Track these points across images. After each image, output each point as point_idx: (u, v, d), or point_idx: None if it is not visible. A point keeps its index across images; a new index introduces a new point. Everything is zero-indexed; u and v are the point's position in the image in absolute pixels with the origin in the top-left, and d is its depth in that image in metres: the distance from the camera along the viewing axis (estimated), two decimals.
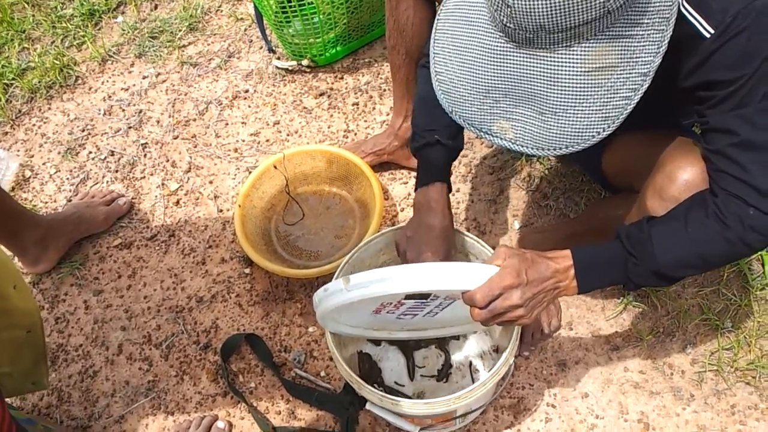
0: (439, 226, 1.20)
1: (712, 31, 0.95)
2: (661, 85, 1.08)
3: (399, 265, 0.97)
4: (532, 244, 1.50)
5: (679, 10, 0.96)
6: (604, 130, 0.87)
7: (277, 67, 1.95)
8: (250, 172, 1.74)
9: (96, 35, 2.11)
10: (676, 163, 1.13)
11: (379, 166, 1.72)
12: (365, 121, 1.84)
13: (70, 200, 1.77)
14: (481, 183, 1.70)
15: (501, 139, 0.92)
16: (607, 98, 0.85)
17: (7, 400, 1.15)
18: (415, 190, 1.27)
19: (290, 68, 1.93)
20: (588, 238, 1.36)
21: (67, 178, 1.81)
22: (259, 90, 1.93)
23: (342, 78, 1.94)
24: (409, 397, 1.39)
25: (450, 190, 1.26)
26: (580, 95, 0.85)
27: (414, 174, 1.71)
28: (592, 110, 0.86)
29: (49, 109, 1.95)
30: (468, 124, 0.94)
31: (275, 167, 1.66)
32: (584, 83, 0.84)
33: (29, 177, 1.82)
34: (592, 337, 1.46)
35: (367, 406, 1.28)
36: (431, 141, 1.23)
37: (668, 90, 1.09)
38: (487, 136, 0.93)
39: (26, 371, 1.24)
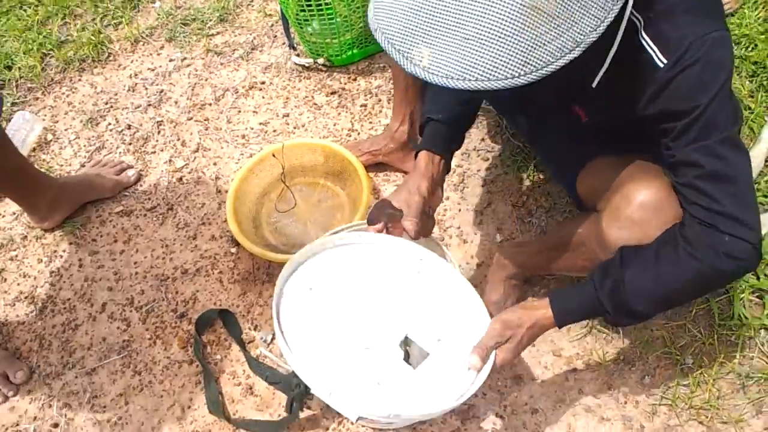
0: (410, 182, 1.25)
1: (665, 61, 0.98)
2: (625, 112, 1.11)
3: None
4: (508, 256, 1.51)
5: (639, 39, 0.99)
6: (519, 76, 0.83)
7: (295, 63, 2.03)
8: None
9: (133, 17, 2.24)
10: (634, 184, 1.14)
11: (375, 167, 1.77)
12: (370, 122, 1.89)
13: (83, 165, 1.88)
14: (472, 194, 1.72)
15: (414, 65, 0.88)
16: (534, 45, 0.82)
17: None
18: None
19: (307, 65, 2.01)
20: (557, 253, 1.37)
21: (85, 145, 1.92)
22: (275, 83, 2.02)
23: (355, 80, 2.00)
24: None
25: (445, 163, 1.29)
26: (509, 29, 0.81)
27: None
28: (515, 50, 0.82)
29: (80, 80, 2.08)
30: (390, 44, 0.90)
31: (274, 155, 1.73)
32: (517, 18, 0.81)
33: (50, 140, 1.94)
34: (553, 356, 1.46)
35: (313, 392, 1.32)
36: (424, 121, 1.30)
37: (632, 117, 1.10)
38: (404, 60, 0.89)
39: None
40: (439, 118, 1.28)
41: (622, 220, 1.15)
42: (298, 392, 1.34)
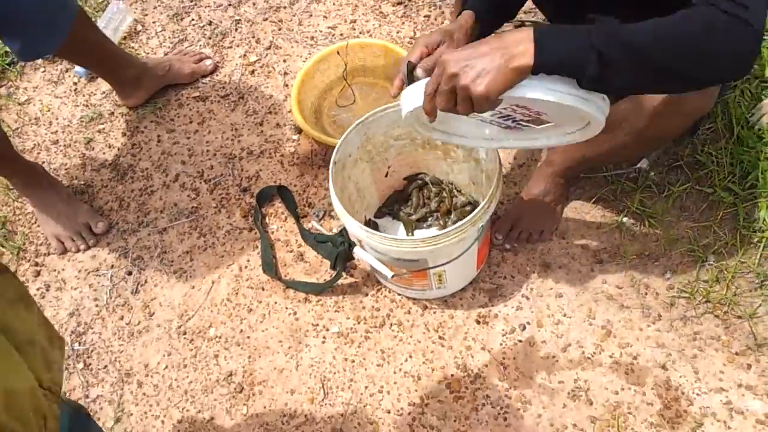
0: (447, 28, 1.22)
1: None
2: None
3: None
4: (557, 152, 1.56)
5: None
6: None
7: None
8: None
9: None
10: None
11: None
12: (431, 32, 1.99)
13: (167, 54, 2.05)
14: None
15: None
16: None
17: None
18: None
19: None
20: (602, 136, 1.36)
21: (169, 37, 2.10)
22: None
23: None
24: None
25: (478, 32, 1.26)
26: None
27: None
28: None
29: None
30: None
31: (338, 53, 1.85)
32: None
33: (139, 31, 2.12)
34: (581, 249, 1.55)
35: (354, 251, 1.46)
36: None
37: None
38: None
39: None
40: None
41: None
42: (342, 249, 1.49)
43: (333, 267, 1.52)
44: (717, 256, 1.47)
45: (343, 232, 1.49)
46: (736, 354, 1.38)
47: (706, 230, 1.51)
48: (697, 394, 1.35)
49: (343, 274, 1.59)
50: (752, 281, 1.43)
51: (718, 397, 1.34)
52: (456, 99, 0.98)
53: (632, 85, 0.98)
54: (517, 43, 0.92)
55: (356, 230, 1.33)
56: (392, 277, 1.40)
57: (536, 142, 1.20)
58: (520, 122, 1.11)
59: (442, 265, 1.38)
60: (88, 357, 1.59)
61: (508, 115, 1.08)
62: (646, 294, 1.47)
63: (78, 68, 2.06)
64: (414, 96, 1.05)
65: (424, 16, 2.02)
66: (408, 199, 1.64)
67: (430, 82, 1.00)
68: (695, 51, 0.90)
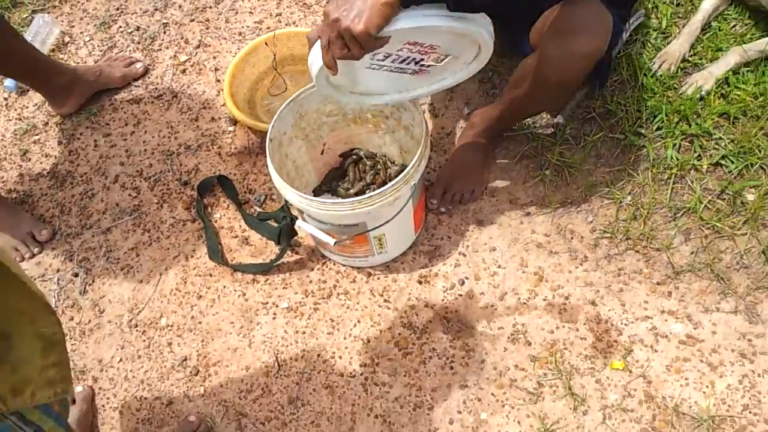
0: None
1: None
2: None
3: None
4: (476, 115, 1.66)
5: None
6: None
7: None
8: None
9: None
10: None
11: None
12: None
13: (97, 62, 2.08)
14: None
15: None
16: None
17: None
18: None
19: None
20: (516, 91, 1.49)
21: (98, 46, 2.12)
22: None
23: None
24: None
25: None
26: None
27: None
28: None
29: None
30: None
31: (266, 44, 1.91)
32: None
33: (67, 42, 2.14)
34: (510, 204, 1.64)
35: (297, 224, 1.51)
36: None
37: None
38: None
39: None
40: None
41: (559, 28, 1.27)
42: (285, 224, 1.54)
43: (277, 242, 1.57)
44: (633, 196, 1.58)
45: (284, 207, 1.54)
46: (658, 284, 1.48)
47: (621, 173, 1.61)
48: (625, 325, 1.45)
49: (288, 251, 1.65)
50: (666, 215, 1.54)
51: (644, 325, 1.44)
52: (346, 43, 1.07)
53: None
54: None
55: (296, 200, 1.38)
56: (335, 244, 1.45)
57: (445, 82, 1.31)
58: (423, 63, 1.20)
59: (381, 226, 1.44)
60: None
61: (408, 57, 1.17)
62: (572, 238, 1.57)
63: (7, 83, 2.07)
64: (315, 56, 1.14)
65: None
66: (345, 175, 1.71)
67: (323, 36, 1.09)
68: None
